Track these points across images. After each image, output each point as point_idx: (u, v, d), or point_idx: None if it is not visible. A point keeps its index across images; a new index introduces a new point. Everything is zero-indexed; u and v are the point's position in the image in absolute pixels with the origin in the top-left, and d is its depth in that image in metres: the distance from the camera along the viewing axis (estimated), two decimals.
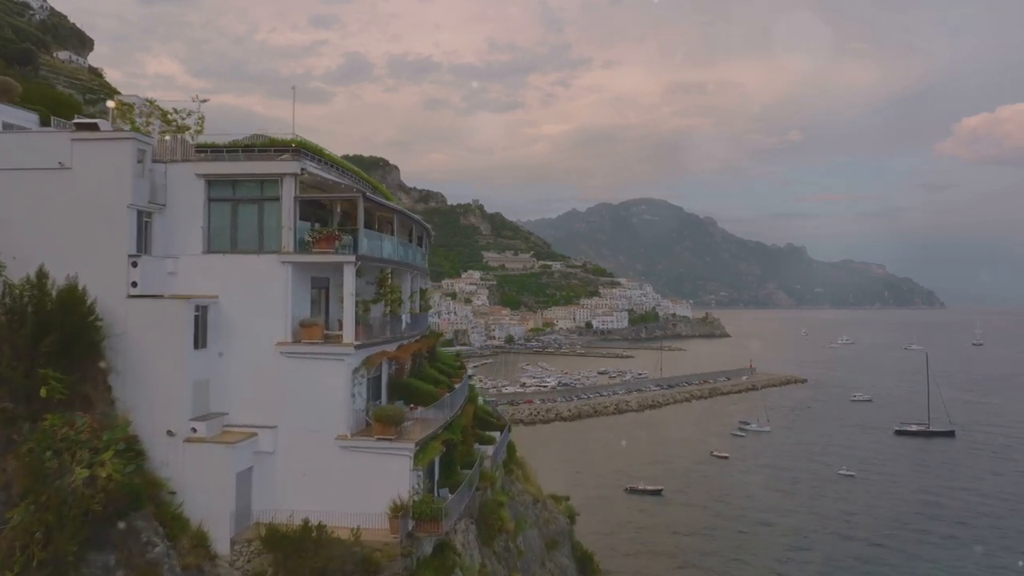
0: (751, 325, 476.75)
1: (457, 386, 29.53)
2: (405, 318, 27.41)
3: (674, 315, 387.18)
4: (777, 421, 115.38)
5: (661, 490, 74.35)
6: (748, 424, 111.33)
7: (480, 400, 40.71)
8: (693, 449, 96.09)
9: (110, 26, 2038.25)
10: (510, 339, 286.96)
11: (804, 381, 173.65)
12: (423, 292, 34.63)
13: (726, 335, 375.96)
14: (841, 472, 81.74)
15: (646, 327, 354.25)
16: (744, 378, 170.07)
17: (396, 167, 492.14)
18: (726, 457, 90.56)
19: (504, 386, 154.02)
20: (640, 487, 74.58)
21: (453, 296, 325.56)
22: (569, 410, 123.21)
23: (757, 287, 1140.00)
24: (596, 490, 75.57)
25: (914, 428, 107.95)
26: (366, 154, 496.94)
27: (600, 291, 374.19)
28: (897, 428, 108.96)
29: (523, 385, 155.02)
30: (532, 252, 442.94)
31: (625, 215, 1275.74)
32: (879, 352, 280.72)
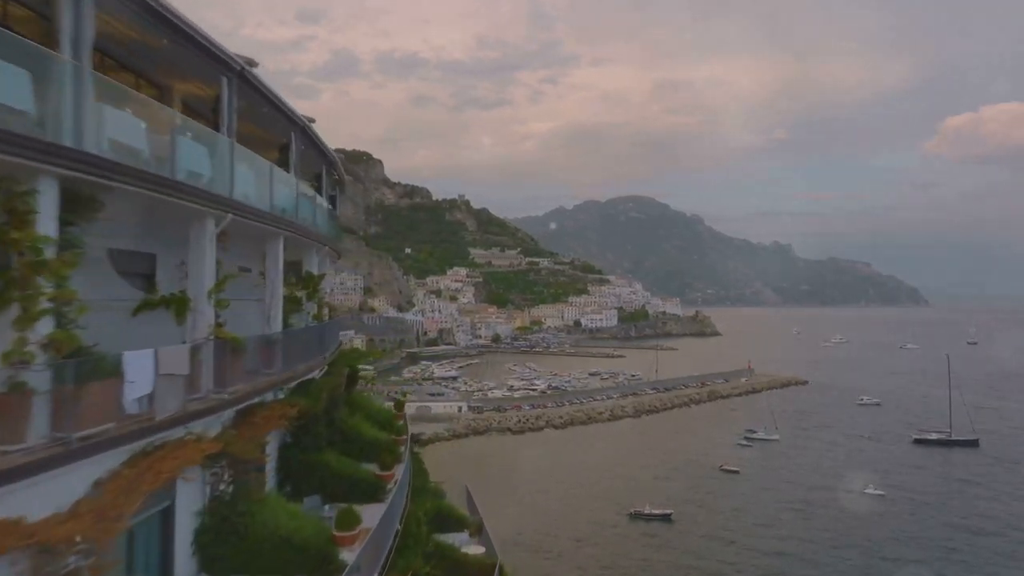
0: (740, 323, 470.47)
1: (357, 550, 11.82)
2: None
3: (664, 313, 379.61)
4: (784, 428, 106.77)
5: (670, 514, 65.19)
6: (754, 432, 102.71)
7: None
8: (699, 462, 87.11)
9: None
10: (497, 338, 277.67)
11: (805, 383, 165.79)
12: (313, 284, 17.65)
13: (717, 334, 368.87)
14: (868, 491, 72.98)
15: (636, 325, 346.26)
16: (743, 379, 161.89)
17: (380, 161, 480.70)
18: (737, 472, 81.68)
19: (491, 389, 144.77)
20: (646, 511, 65.38)
21: (438, 294, 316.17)
22: (560, 417, 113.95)
23: (744, 285, 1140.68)
24: (596, 514, 66.37)
25: (934, 436, 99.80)
26: (350, 149, 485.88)
27: (589, 289, 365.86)
28: (916, 437, 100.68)
29: (511, 388, 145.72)
30: (519, 249, 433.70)
31: (612, 213, 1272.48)
32: (875, 351, 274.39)
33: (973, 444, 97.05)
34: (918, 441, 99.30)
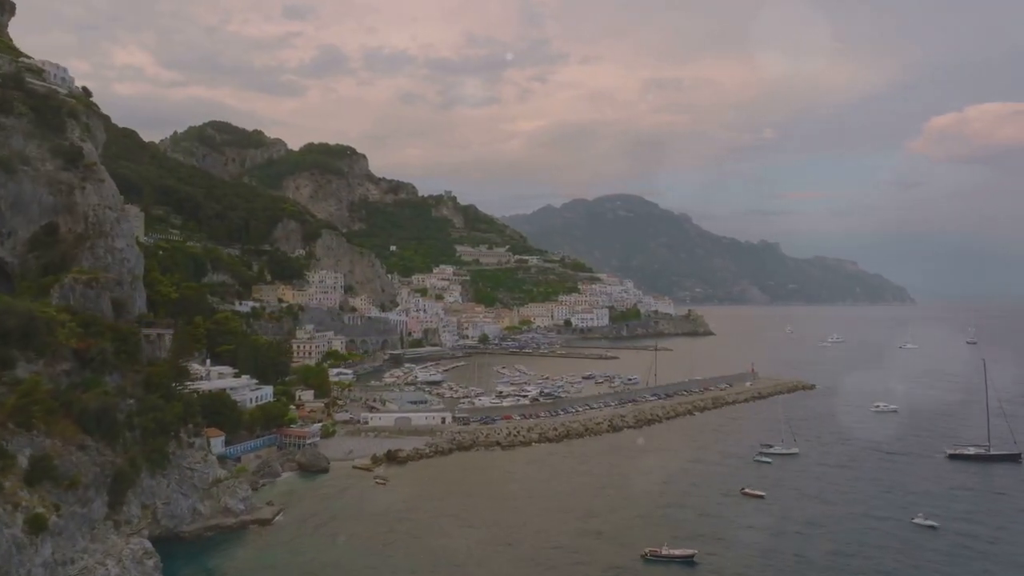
0: (731, 322, 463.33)
1: None
2: None
3: (656, 312, 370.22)
4: (801, 440, 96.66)
5: (693, 556, 54.56)
6: (771, 447, 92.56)
7: None
8: (716, 484, 76.66)
9: (75, 14, 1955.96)
10: (485, 338, 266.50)
11: (813, 387, 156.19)
12: None
13: (710, 333, 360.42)
14: (917, 521, 62.93)
15: (627, 325, 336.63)
16: (747, 384, 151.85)
17: (364, 156, 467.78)
18: (761, 496, 71.33)
19: (478, 395, 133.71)
20: (663, 552, 54.69)
21: (424, 292, 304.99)
22: (555, 428, 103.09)
23: (731, 284, 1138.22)
24: (604, 556, 55.55)
25: (971, 451, 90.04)
26: (333, 143, 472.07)
27: (580, 287, 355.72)
28: (951, 452, 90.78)
29: (499, 395, 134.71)
30: (508, 246, 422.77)
31: (600, 211, 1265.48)
32: (874, 351, 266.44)
33: (1015, 459, 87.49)
34: (953, 456, 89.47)
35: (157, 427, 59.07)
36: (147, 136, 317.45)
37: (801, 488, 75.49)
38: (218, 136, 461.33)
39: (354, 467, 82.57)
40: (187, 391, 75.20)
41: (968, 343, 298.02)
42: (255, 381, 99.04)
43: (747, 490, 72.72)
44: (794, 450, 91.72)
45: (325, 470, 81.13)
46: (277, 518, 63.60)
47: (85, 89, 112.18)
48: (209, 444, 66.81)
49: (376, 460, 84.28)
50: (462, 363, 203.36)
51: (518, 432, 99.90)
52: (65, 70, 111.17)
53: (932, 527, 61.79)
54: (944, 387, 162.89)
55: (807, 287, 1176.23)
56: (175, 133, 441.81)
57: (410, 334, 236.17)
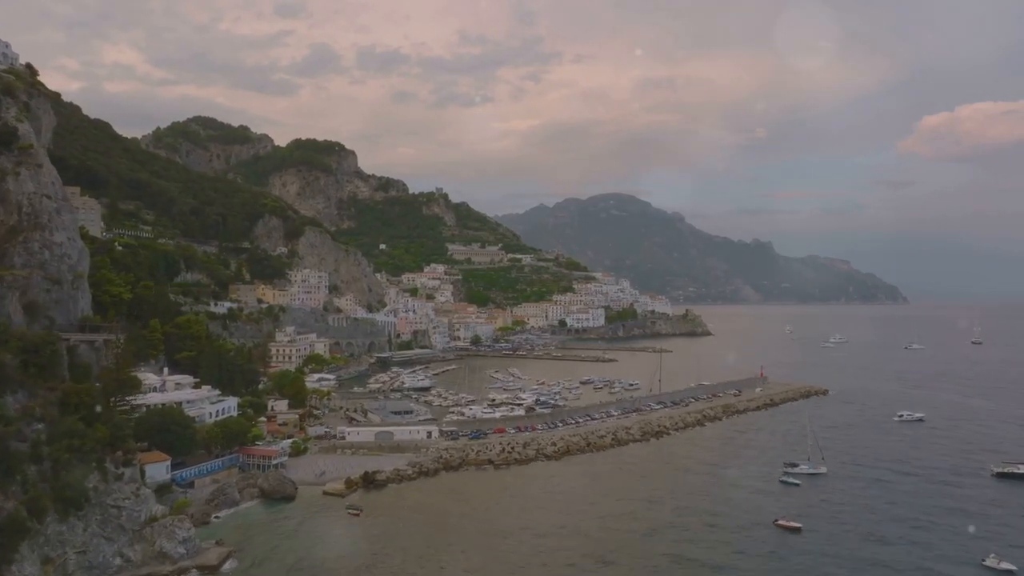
0: (727, 322, 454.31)
1: None
2: None
3: (653, 312, 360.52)
4: (827, 456, 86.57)
5: None
6: (796, 465, 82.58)
7: None
8: (743, 512, 66.42)
9: (65, 12, 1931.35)
10: (477, 340, 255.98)
11: (826, 392, 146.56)
12: None
13: (708, 333, 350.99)
14: (988, 563, 53.03)
15: (624, 325, 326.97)
16: (757, 390, 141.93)
17: (353, 152, 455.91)
18: (798, 529, 61.15)
19: (468, 403, 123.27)
20: None
21: (414, 292, 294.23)
22: (554, 443, 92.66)
23: (725, 283, 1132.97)
24: None
25: (1022, 470, 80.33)
26: (321, 139, 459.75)
27: (574, 286, 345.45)
28: (999, 470, 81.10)
29: (492, 403, 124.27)
30: (500, 245, 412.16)
31: (593, 210, 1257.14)
32: (880, 352, 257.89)
33: None
34: (1002, 475, 79.83)
35: (74, 457, 48.31)
36: (136, 135, 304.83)
37: (840, 517, 65.40)
38: (202, 131, 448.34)
39: (325, 492, 71.92)
40: (127, 407, 64.58)
41: (973, 343, 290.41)
42: (217, 392, 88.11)
43: (781, 521, 62.56)
44: (822, 469, 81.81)
45: (292, 497, 70.40)
46: (226, 564, 52.92)
47: (29, 66, 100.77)
48: (144, 474, 55.98)
49: (351, 484, 73.61)
50: (453, 366, 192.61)
51: (512, 448, 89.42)
52: (7, 44, 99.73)
53: (1010, 571, 51.86)
54: (963, 392, 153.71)
55: (800, 286, 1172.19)
56: (157, 128, 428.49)
57: (399, 336, 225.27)
